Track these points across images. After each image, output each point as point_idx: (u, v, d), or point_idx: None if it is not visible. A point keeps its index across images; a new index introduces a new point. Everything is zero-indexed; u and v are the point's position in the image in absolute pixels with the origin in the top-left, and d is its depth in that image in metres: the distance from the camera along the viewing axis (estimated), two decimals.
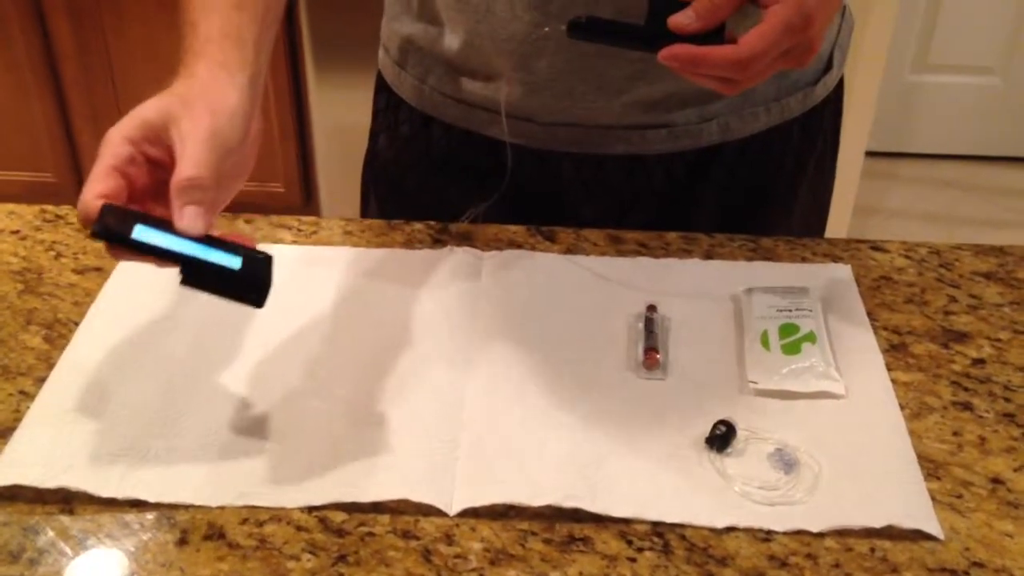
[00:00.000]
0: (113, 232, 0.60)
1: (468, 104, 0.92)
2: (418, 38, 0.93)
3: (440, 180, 0.98)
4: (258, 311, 0.79)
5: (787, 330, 0.76)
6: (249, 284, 0.63)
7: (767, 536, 0.63)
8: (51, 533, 0.63)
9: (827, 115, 0.98)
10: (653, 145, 0.91)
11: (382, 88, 1.01)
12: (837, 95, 1.00)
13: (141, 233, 0.61)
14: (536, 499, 0.64)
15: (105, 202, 0.62)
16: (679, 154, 0.92)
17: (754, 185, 0.96)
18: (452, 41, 0.89)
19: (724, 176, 0.94)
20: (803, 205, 1.01)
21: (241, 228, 0.91)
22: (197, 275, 0.62)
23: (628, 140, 0.90)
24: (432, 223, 0.91)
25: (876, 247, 0.88)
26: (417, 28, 0.93)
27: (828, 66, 0.95)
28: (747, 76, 0.66)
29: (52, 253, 0.88)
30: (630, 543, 0.62)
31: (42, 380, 0.73)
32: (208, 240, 0.63)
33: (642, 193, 0.94)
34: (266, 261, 0.65)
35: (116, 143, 0.64)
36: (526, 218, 0.92)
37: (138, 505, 0.64)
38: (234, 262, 0.63)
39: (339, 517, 0.64)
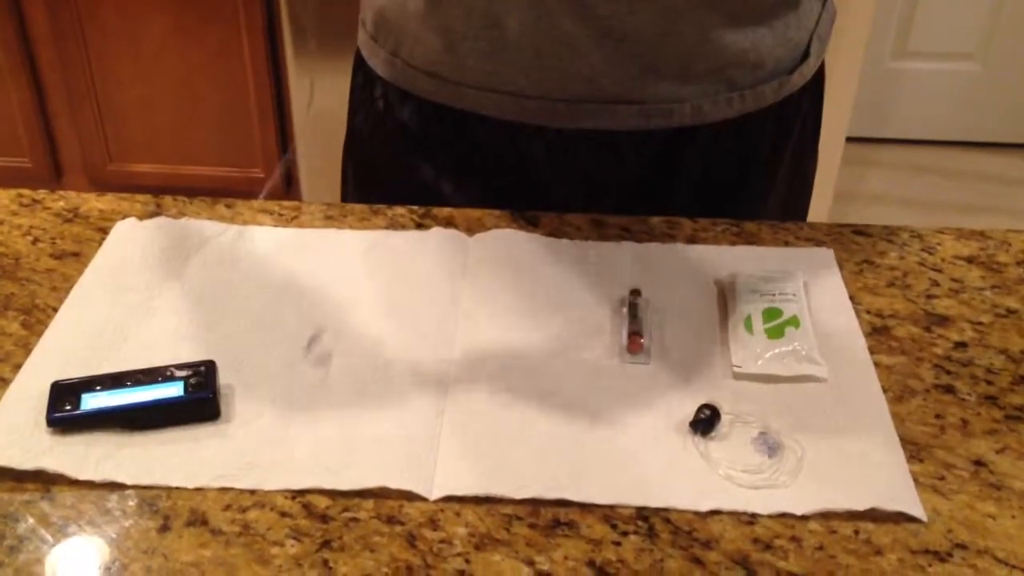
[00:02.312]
0: (66, 419, 0.67)
1: (439, 77, 0.91)
2: (389, 9, 0.92)
3: (415, 157, 0.98)
4: (239, 298, 0.80)
5: (770, 314, 0.76)
6: (198, 406, 0.69)
7: (751, 519, 0.63)
8: (31, 520, 0.62)
9: (805, 103, 0.98)
10: (624, 121, 0.90)
11: (360, 64, 1.01)
12: (816, 83, 0.99)
13: (88, 403, 0.68)
14: (519, 491, 0.64)
15: (53, 382, 0.69)
16: (651, 136, 0.91)
17: (729, 172, 0.95)
18: (419, 6, 0.88)
19: (698, 163, 0.93)
20: (781, 193, 1.00)
21: (222, 213, 0.90)
22: (150, 417, 0.68)
23: (598, 114, 0.90)
24: (415, 208, 0.91)
25: (858, 231, 0.89)
26: (394, 3, 0.92)
27: (805, 55, 0.94)
28: None
29: (29, 238, 0.87)
30: (615, 527, 0.62)
31: (20, 366, 0.73)
32: (150, 375, 0.69)
33: (613, 175, 0.94)
34: (207, 373, 0.70)
35: None
36: (497, 197, 0.91)
37: (119, 491, 0.64)
38: (177, 391, 0.68)
39: (323, 503, 0.63)
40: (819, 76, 0.99)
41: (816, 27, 0.95)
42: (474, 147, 0.93)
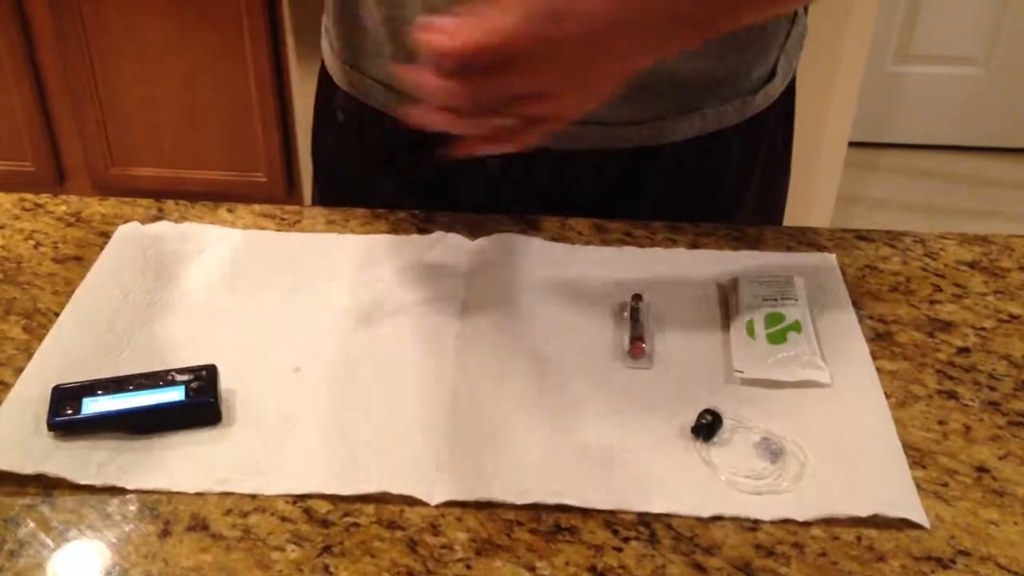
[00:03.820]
0: (67, 423, 0.67)
1: (398, 91, 0.90)
2: (348, 20, 0.91)
3: (375, 172, 0.96)
4: (240, 301, 0.80)
5: (773, 319, 0.76)
6: (199, 410, 0.68)
7: (753, 525, 0.62)
8: (32, 525, 0.62)
9: (771, 123, 0.95)
10: (583, 141, 0.88)
11: (323, 75, 0.99)
12: (786, 102, 0.96)
13: (89, 407, 0.67)
14: (520, 497, 0.64)
15: (54, 387, 0.69)
16: (610, 156, 0.90)
17: (694, 194, 0.94)
18: (376, 21, 0.87)
19: (661, 184, 0.92)
20: (750, 214, 0.98)
21: (223, 217, 0.90)
22: (151, 422, 0.68)
23: (556, 135, 0.88)
24: (416, 212, 0.90)
25: (861, 236, 0.88)
26: (347, 10, 0.91)
27: (771, 75, 0.92)
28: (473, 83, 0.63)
29: (31, 242, 0.87)
30: (616, 532, 0.62)
31: (21, 370, 0.73)
32: (151, 379, 0.69)
33: (573, 195, 0.92)
34: (209, 377, 0.70)
35: None
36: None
37: (119, 496, 0.64)
38: (178, 395, 0.68)
39: (324, 508, 0.63)
40: (789, 94, 0.97)
41: (784, 46, 0.92)
42: (433, 164, 0.92)
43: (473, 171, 0.91)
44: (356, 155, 0.97)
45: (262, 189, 2.35)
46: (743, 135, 0.93)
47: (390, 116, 0.92)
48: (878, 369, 0.74)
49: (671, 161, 0.91)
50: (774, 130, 0.97)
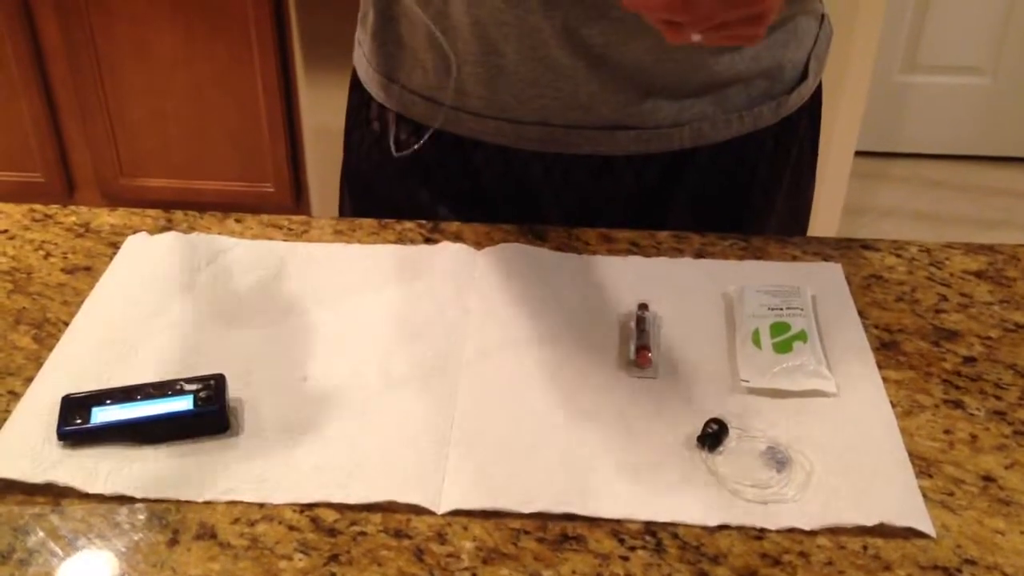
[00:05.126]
0: (76, 433, 0.68)
1: (437, 103, 0.91)
2: (386, 35, 0.92)
3: (410, 181, 0.97)
4: (249, 311, 0.80)
5: (778, 328, 0.76)
6: (208, 419, 0.69)
7: (759, 534, 0.63)
8: (41, 533, 0.62)
9: (802, 124, 0.97)
10: (622, 146, 0.89)
11: (356, 85, 1.00)
12: (814, 105, 0.98)
13: (98, 416, 0.68)
14: (527, 506, 0.64)
15: (64, 396, 0.69)
16: (650, 160, 0.91)
17: (728, 195, 0.95)
18: (417, 32, 0.88)
19: (697, 185, 0.93)
20: (780, 215, 0.99)
21: (231, 228, 0.91)
22: (160, 431, 0.68)
23: (596, 140, 0.89)
24: (423, 222, 0.91)
25: (866, 246, 0.89)
26: (384, 21, 0.92)
27: (803, 76, 0.94)
28: (690, 18, 0.62)
29: (41, 253, 0.87)
30: (623, 542, 0.62)
31: (31, 380, 0.73)
32: (160, 388, 0.70)
33: (612, 198, 0.93)
34: (217, 387, 0.70)
35: None
36: (493, 221, 0.91)
37: (128, 504, 0.64)
38: (186, 405, 0.69)
39: (331, 516, 0.64)
40: (816, 97, 0.98)
41: (814, 47, 0.94)
42: (471, 171, 0.93)
43: (513, 175, 0.92)
44: (393, 165, 0.98)
45: (270, 199, 2.35)
46: (776, 137, 0.94)
47: (429, 127, 0.93)
48: (884, 378, 0.74)
49: (707, 163, 0.92)
50: (804, 132, 0.98)
